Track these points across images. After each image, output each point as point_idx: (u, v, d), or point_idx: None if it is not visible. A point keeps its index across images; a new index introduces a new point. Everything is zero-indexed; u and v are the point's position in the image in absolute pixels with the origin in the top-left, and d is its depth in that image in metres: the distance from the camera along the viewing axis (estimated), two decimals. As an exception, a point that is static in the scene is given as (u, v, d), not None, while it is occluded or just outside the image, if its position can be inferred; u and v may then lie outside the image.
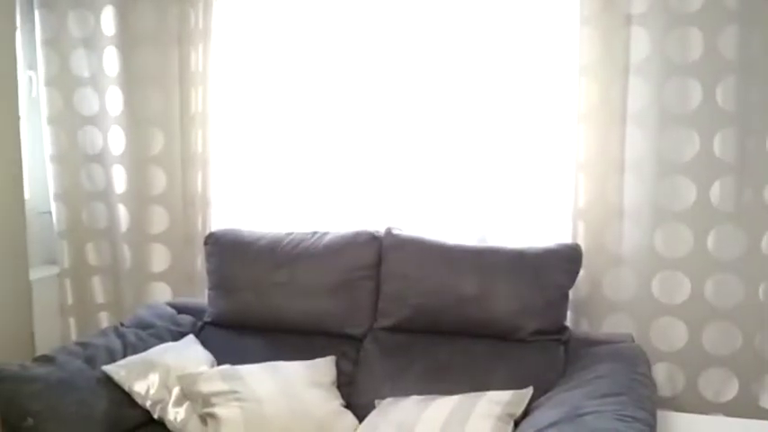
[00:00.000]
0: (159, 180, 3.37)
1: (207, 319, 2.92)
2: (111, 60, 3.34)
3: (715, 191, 2.72)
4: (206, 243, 2.99)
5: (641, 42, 2.73)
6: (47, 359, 2.44)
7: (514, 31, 2.98)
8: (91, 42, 3.37)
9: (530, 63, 2.98)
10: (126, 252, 3.45)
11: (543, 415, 2.10)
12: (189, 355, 2.63)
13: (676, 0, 2.67)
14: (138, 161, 3.37)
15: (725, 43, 2.64)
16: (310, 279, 2.77)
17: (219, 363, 2.64)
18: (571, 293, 2.72)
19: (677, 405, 2.78)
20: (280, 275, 2.79)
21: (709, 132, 2.70)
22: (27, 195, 3.42)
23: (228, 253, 2.90)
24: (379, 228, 2.87)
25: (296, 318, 2.78)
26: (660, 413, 2.18)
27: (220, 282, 2.90)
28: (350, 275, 2.76)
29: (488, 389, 2.35)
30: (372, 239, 2.80)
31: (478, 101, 3.06)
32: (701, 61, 2.67)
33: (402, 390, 2.48)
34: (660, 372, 2.80)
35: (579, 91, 2.82)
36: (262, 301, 2.81)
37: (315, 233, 2.90)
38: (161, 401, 2.44)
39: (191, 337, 2.81)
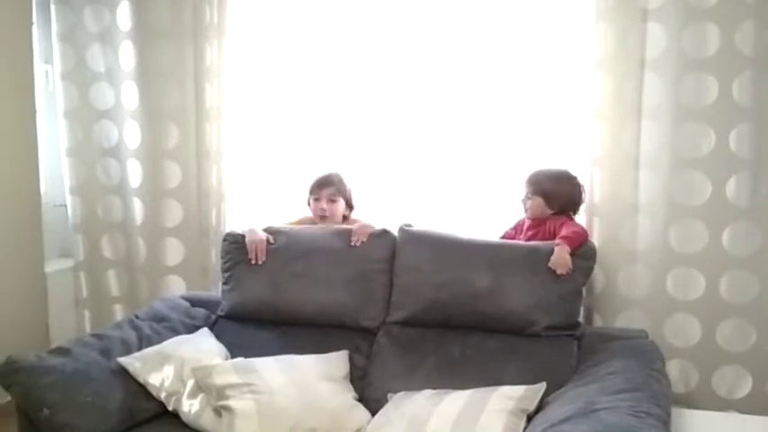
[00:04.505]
0: (174, 174, 3.39)
1: (221, 312, 2.93)
2: (126, 55, 3.36)
3: (730, 187, 2.70)
4: (225, 240, 2.99)
5: (657, 37, 2.72)
6: (62, 351, 2.46)
7: (530, 25, 2.98)
8: (107, 37, 3.39)
9: (545, 58, 2.98)
10: (140, 245, 3.48)
11: (556, 410, 2.10)
12: (203, 347, 2.64)
13: (693, -6, 2.66)
14: (153, 155, 3.39)
15: (741, 38, 2.63)
16: (324, 272, 2.77)
17: (233, 356, 2.64)
18: (585, 289, 2.71)
19: (690, 402, 2.77)
20: (293, 269, 2.80)
21: (725, 128, 2.68)
22: (43, 189, 3.46)
23: (244, 252, 2.89)
24: (392, 222, 2.86)
25: (309, 311, 2.78)
26: (673, 410, 2.17)
27: (235, 277, 2.90)
28: (364, 269, 2.76)
29: (501, 384, 2.34)
30: (386, 233, 2.81)
31: (493, 96, 3.06)
32: (717, 56, 2.66)
33: (415, 384, 2.48)
34: (674, 368, 2.79)
35: (594, 86, 2.81)
36: (275, 295, 2.81)
37: (328, 227, 2.90)
38: (175, 393, 2.45)
39: (205, 329, 2.82)
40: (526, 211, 2.82)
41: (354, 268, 2.76)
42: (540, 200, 2.76)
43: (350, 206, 3.05)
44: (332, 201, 2.99)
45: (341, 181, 3.03)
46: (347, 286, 2.75)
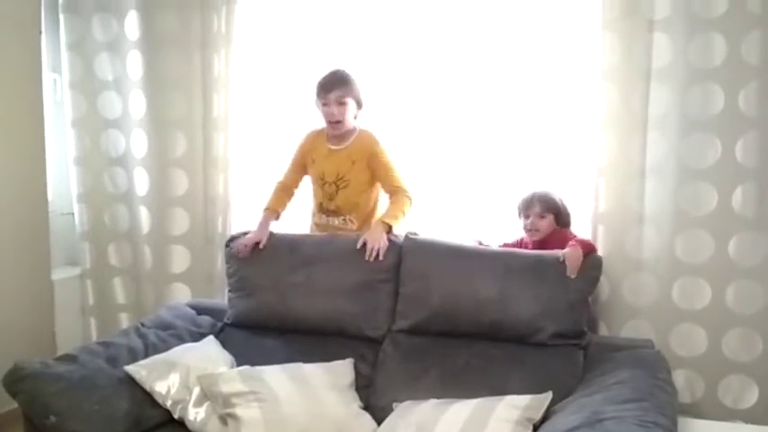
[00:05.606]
0: (181, 182, 3.41)
1: (227, 320, 2.94)
2: (134, 64, 3.38)
3: (737, 197, 2.70)
4: (227, 246, 3.00)
5: (663, 48, 2.73)
6: (69, 358, 2.47)
7: (536, 36, 2.99)
8: (115, 46, 3.41)
9: (551, 68, 2.99)
10: (147, 253, 3.49)
11: (563, 420, 2.09)
12: (209, 355, 2.65)
13: (699, 6, 2.66)
14: (160, 164, 3.41)
15: (748, 49, 2.63)
16: (329, 281, 2.78)
17: (239, 364, 2.64)
18: (590, 298, 2.71)
19: (696, 412, 2.77)
20: (298, 277, 2.80)
21: (731, 138, 2.68)
22: (50, 197, 3.48)
23: (246, 255, 2.90)
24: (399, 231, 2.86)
25: (315, 319, 2.78)
26: (679, 419, 2.17)
27: (240, 284, 2.91)
28: (369, 278, 2.76)
29: (507, 393, 2.34)
30: (391, 242, 2.80)
31: (500, 105, 3.07)
32: (723, 67, 2.66)
33: (420, 393, 2.47)
34: (679, 378, 2.78)
35: (601, 96, 2.82)
36: (281, 303, 2.82)
37: (334, 235, 2.91)
38: (181, 401, 2.45)
39: (210, 338, 2.82)
40: (535, 232, 2.81)
41: (359, 278, 2.75)
42: (552, 217, 2.80)
43: (359, 105, 2.88)
44: (341, 104, 2.80)
45: (348, 79, 2.84)
46: (351, 296, 2.75)
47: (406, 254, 2.77)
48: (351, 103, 2.83)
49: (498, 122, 3.09)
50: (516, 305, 2.58)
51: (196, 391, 2.45)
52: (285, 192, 3.03)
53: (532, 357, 2.55)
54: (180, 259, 3.47)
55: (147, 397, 2.47)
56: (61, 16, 3.46)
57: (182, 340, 2.77)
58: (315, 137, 2.98)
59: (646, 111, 2.78)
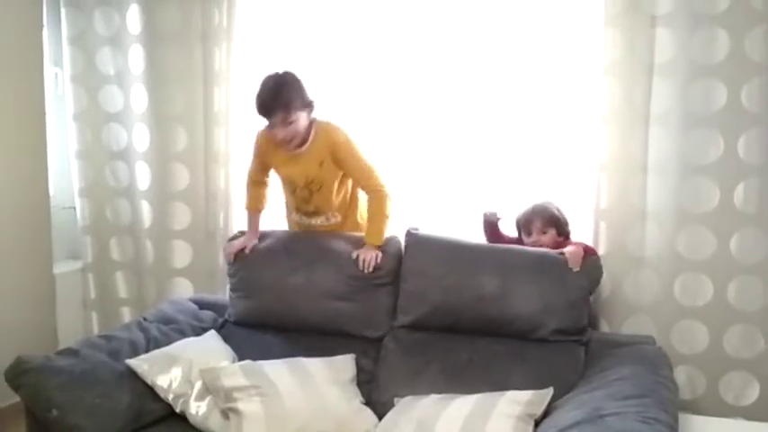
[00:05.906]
0: (182, 177, 3.41)
1: (228, 318, 2.93)
2: (135, 58, 3.38)
3: (739, 193, 2.70)
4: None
5: (666, 43, 2.72)
6: (71, 352, 2.47)
7: (538, 31, 2.98)
8: (116, 40, 3.41)
9: (553, 63, 2.98)
10: (149, 248, 3.49)
11: (564, 415, 2.10)
12: (211, 350, 2.65)
13: (702, 1, 2.65)
14: (161, 158, 3.41)
15: (751, 45, 2.62)
16: (329, 282, 2.76)
17: (240, 359, 2.64)
18: (591, 296, 2.71)
19: (697, 408, 2.77)
20: (298, 278, 2.78)
21: (733, 134, 2.68)
22: (52, 191, 3.48)
23: (248, 255, 2.90)
24: (400, 228, 2.86)
25: (315, 320, 2.77)
26: (680, 416, 2.17)
27: (241, 284, 2.90)
28: (369, 280, 2.73)
29: (508, 388, 2.34)
30: (392, 241, 2.80)
31: (501, 100, 3.06)
32: (726, 62, 2.66)
33: (422, 388, 2.48)
34: (681, 374, 2.78)
35: (602, 92, 2.81)
36: (282, 302, 2.80)
37: (334, 233, 2.90)
38: (183, 395, 2.46)
39: (212, 332, 2.82)
40: (539, 248, 2.78)
41: (358, 278, 2.72)
42: (553, 231, 2.79)
43: (310, 108, 2.67)
44: (288, 124, 2.60)
45: (284, 95, 2.59)
46: (351, 297, 2.73)
47: (407, 249, 2.76)
48: (299, 116, 2.62)
49: (501, 117, 3.08)
50: (518, 301, 2.58)
51: (198, 385, 2.46)
52: (260, 186, 2.94)
53: (534, 353, 2.55)
54: (181, 254, 3.48)
55: (149, 391, 2.47)
56: (63, 10, 3.46)
57: (183, 335, 2.77)
58: (269, 138, 2.74)
59: (648, 106, 2.78)
